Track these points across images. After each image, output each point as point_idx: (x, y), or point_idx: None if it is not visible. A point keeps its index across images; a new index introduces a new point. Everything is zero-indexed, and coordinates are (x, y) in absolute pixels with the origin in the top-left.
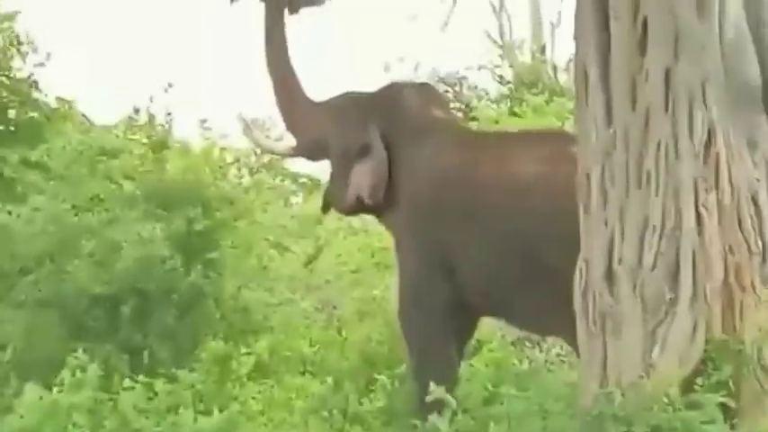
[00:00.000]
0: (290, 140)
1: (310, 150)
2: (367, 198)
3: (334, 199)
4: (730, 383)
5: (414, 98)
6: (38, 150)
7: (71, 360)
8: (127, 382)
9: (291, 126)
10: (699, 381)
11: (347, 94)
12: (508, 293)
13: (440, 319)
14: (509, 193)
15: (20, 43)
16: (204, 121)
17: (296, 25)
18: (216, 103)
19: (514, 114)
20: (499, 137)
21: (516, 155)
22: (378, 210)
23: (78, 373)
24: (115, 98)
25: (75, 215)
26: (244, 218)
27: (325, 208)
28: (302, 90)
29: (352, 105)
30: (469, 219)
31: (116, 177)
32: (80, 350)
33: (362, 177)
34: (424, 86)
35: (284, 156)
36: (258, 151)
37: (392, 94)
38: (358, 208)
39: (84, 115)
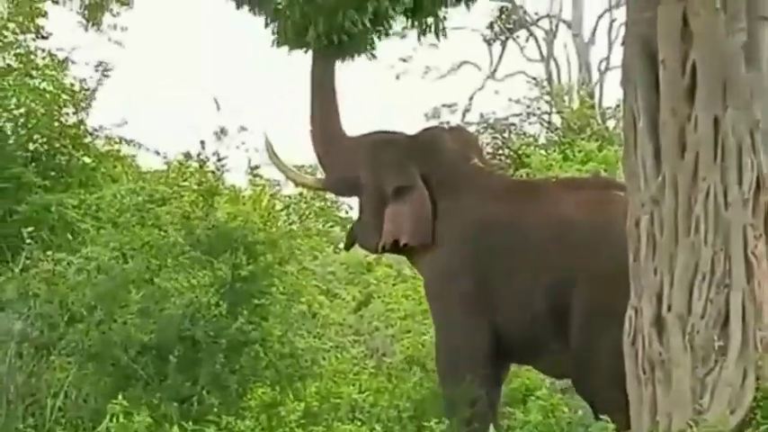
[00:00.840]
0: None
1: (341, 185)
2: (407, 240)
3: (363, 237)
4: None
5: (451, 142)
6: (90, 197)
7: (113, 407)
8: (177, 431)
9: (324, 159)
10: (749, 429)
11: (382, 132)
12: (545, 341)
13: (480, 364)
14: (552, 242)
15: (72, 91)
16: (255, 167)
17: (345, 72)
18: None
19: (566, 159)
20: (538, 185)
21: (558, 203)
22: (412, 251)
23: (121, 420)
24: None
25: (125, 263)
26: (291, 263)
27: (349, 245)
28: (340, 125)
29: (389, 145)
30: (512, 265)
31: (165, 225)
32: (119, 396)
33: (402, 219)
34: (458, 130)
35: (312, 188)
36: (308, 197)
37: (430, 138)
38: (390, 248)
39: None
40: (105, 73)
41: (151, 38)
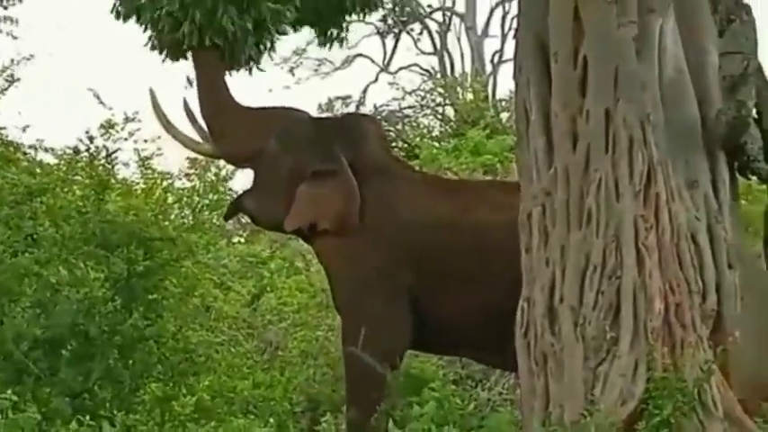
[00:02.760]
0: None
1: (237, 155)
2: (328, 225)
3: (263, 212)
4: (671, 421)
5: (373, 132)
6: None
7: (3, 402)
8: (73, 426)
9: (218, 127)
10: (641, 419)
11: (293, 110)
12: (473, 330)
13: (393, 349)
14: (476, 237)
15: None
16: (146, 158)
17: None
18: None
19: (456, 150)
20: (461, 185)
21: (480, 202)
22: (319, 236)
23: (11, 415)
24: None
25: (13, 256)
26: (186, 258)
27: (231, 215)
28: (232, 96)
29: (309, 124)
30: (440, 260)
31: (56, 218)
32: (9, 392)
33: (324, 204)
34: (374, 120)
35: (207, 156)
36: (201, 190)
37: (355, 124)
38: (298, 230)
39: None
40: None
41: (42, 31)
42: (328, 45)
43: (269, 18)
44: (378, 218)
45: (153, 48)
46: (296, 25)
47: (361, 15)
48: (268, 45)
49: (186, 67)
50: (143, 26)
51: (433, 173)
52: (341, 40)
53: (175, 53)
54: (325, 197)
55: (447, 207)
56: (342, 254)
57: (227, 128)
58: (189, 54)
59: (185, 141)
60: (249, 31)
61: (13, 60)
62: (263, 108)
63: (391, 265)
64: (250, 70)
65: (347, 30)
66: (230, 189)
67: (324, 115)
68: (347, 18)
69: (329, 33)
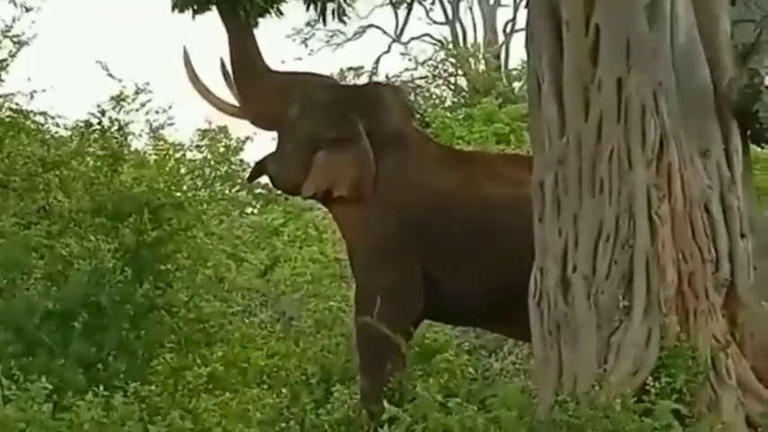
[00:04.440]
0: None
1: (263, 117)
2: (344, 192)
3: (282, 175)
4: (685, 390)
5: (394, 102)
6: None
7: (16, 373)
8: (88, 396)
9: (246, 89)
10: (654, 388)
11: (317, 76)
12: (489, 301)
13: (405, 318)
14: (486, 211)
15: None
16: (158, 128)
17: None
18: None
19: (468, 120)
20: (476, 158)
21: (492, 176)
22: (337, 203)
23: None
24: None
25: (26, 228)
26: (197, 228)
27: (254, 177)
28: (263, 60)
29: (330, 90)
30: (450, 232)
31: (69, 190)
32: (12, 362)
33: (340, 170)
34: (398, 90)
35: (231, 115)
36: (213, 162)
37: (375, 93)
38: (316, 195)
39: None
40: (17, 43)
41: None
42: (331, 19)
43: None
44: (392, 188)
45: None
46: None
47: None
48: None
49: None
50: None
51: (446, 144)
52: (341, 17)
53: (189, 5)
54: (341, 164)
55: (458, 179)
56: (356, 222)
57: (253, 90)
58: (204, 7)
59: (214, 101)
60: None
61: (15, 19)
62: (291, 72)
63: (403, 235)
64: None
65: (348, 5)
66: (241, 160)
67: None
68: None
69: (332, 9)
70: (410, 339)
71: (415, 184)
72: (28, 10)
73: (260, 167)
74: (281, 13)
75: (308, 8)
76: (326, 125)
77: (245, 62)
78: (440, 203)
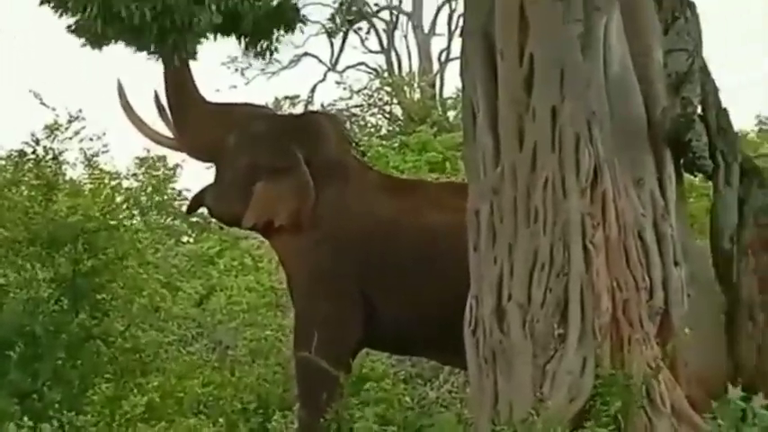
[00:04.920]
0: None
1: (200, 149)
2: (284, 222)
3: (221, 206)
4: (620, 418)
5: (332, 131)
6: None
7: None
8: (12, 428)
9: (182, 120)
10: (589, 415)
11: (253, 106)
12: (428, 329)
13: (344, 348)
14: (426, 238)
15: None
16: (92, 157)
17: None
18: (109, 139)
19: (403, 148)
20: (414, 186)
21: (431, 204)
22: (277, 232)
23: None
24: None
25: None
26: (133, 257)
27: (194, 208)
28: (198, 91)
29: (268, 121)
30: (389, 260)
31: (3, 220)
32: None
33: (280, 201)
34: (335, 118)
35: (167, 147)
36: (149, 190)
37: (313, 122)
38: (256, 226)
39: None
40: None
41: None
42: (261, 56)
43: (178, 15)
44: (331, 217)
45: (72, 32)
46: (219, 32)
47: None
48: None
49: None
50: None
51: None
52: (271, 52)
53: (92, 40)
54: (281, 194)
55: (398, 207)
56: (295, 252)
57: (189, 122)
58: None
59: (148, 133)
60: (149, 24)
61: None
62: (226, 104)
63: (342, 264)
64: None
65: (279, 42)
66: (173, 189)
67: None
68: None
69: (260, 45)
70: (349, 368)
71: (355, 213)
72: None
73: (198, 199)
74: (195, 57)
75: (240, 43)
76: (265, 155)
77: (180, 94)
78: (380, 231)
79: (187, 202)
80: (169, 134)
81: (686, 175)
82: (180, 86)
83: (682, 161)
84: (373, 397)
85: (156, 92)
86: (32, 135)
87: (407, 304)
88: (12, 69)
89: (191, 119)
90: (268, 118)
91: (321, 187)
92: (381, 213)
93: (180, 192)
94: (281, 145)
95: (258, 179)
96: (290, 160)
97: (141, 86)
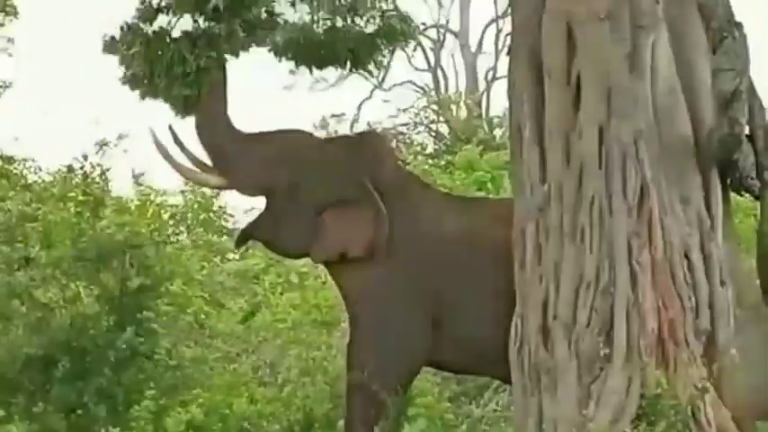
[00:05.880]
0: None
1: (254, 186)
2: (359, 253)
3: (286, 242)
4: None
5: (389, 151)
6: None
7: None
8: None
9: (226, 160)
10: None
11: (302, 133)
12: (496, 347)
13: (407, 375)
14: (496, 254)
15: None
16: (140, 175)
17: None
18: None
19: (449, 167)
20: (482, 202)
21: (498, 220)
22: (344, 262)
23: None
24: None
25: (9, 275)
26: (179, 275)
27: (240, 244)
28: (232, 124)
29: (321, 150)
30: (467, 282)
31: (51, 237)
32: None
33: (352, 231)
34: (386, 138)
35: (218, 188)
36: (195, 207)
37: (369, 145)
38: (326, 258)
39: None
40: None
41: (37, 48)
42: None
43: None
44: (404, 243)
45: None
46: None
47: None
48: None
49: None
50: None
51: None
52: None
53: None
54: (353, 225)
55: (466, 226)
56: (364, 280)
57: (235, 158)
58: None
59: (197, 178)
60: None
61: None
62: (268, 133)
63: (415, 289)
64: None
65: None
66: (220, 207)
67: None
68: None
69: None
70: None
71: (427, 236)
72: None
73: (248, 233)
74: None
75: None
76: (328, 185)
77: (219, 128)
78: (451, 251)
79: (233, 220)
80: (211, 175)
81: (733, 195)
82: (218, 120)
83: (729, 181)
84: (417, 414)
85: (170, 127)
86: (84, 156)
87: (476, 322)
88: (58, 86)
89: (236, 154)
90: (321, 145)
91: (391, 213)
92: (451, 233)
93: (223, 210)
94: (344, 173)
95: (323, 210)
96: (358, 189)
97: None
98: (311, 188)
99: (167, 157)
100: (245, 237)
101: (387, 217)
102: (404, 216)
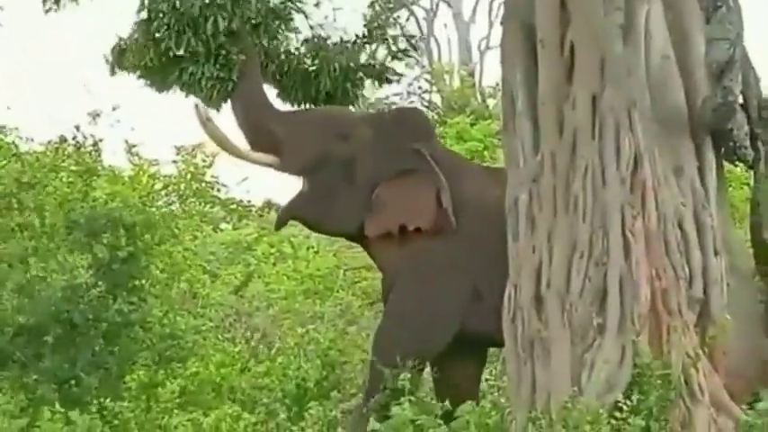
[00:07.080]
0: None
1: (306, 165)
2: (424, 225)
3: (333, 222)
4: (657, 408)
5: (433, 126)
6: None
7: None
8: (47, 413)
9: (270, 141)
10: (626, 405)
11: (342, 110)
12: None
13: (438, 345)
14: None
15: None
16: (133, 146)
17: None
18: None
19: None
20: None
21: None
22: (389, 236)
23: None
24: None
25: (4, 243)
26: (170, 243)
27: (281, 225)
28: (273, 105)
29: (368, 124)
30: (504, 250)
31: (43, 209)
32: None
33: (414, 203)
34: (423, 113)
35: (268, 167)
36: (188, 177)
37: (413, 118)
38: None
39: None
40: None
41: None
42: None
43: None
44: (455, 213)
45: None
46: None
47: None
48: None
49: None
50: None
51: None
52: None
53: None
54: (414, 197)
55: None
56: (410, 253)
57: (284, 137)
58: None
59: (247, 156)
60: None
61: None
62: (311, 111)
63: (462, 260)
64: None
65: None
66: (213, 176)
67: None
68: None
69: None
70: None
71: (474, 207)
72: None
73: (289, 213)
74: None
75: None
76: (383, 159)
77: (262, 108)
78: (492, 222)
79: (226, 190)
80: (265, 155)
81: (726, 165)
82: (260, 100)
83: (722, 150)
84: (409, 384)
85: (196, 105)
86: (76, 127)
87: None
88: (54, 56)
89: (283, 135)
90: (371, 120)
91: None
92: (491, 204)
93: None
94: (398, 146)
95: (378, 185)
96: (416, 161)
97: None
98: (367, 163)
99: (216, 135)
100: (288, 216)
101: (448, 191)
102: (454, 188)
